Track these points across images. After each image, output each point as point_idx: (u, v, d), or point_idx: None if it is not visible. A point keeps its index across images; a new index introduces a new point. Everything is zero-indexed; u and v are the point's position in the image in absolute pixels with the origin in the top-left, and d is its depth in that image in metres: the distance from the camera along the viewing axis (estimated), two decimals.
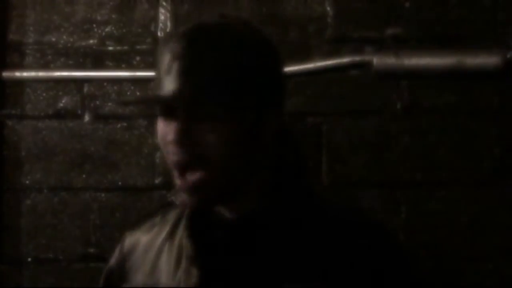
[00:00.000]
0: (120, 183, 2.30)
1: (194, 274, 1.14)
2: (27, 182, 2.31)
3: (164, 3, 2.32)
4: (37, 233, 2.29)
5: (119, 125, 2.31)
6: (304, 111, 2.22)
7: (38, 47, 2.33)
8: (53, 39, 2.33)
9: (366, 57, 2.20)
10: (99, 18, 2.33)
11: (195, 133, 1.09)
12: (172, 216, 1.27)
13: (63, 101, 2.32)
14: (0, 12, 2.32)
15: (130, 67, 2.31)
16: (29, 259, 2.29)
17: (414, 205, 2.20)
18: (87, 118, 2.31)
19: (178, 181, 1.12)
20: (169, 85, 1.09)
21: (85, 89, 2.31)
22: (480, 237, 2.20)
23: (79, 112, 2.32)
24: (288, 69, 2.24)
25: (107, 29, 2.33)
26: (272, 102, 1.16)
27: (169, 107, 1.12)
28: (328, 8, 2.28)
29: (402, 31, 2.25)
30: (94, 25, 2.33)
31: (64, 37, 2.33)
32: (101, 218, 2.29)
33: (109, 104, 2.31)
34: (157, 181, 2.29)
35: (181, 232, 1.20)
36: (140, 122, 2.30)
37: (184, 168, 1.10)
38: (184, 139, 1.09)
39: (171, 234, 1.23)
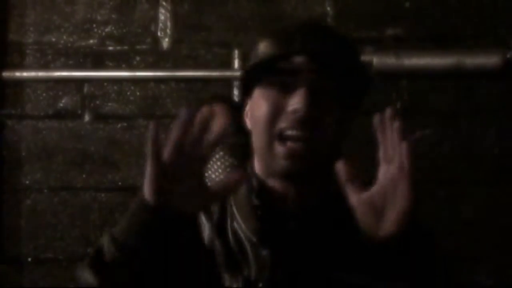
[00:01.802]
0: (120, 183, 2.30)
1: (265, 256, 1.18)
2: (27, 182, 2.31)
3: (164, 3, 2.32)
4: (37, 233, 2.29)
5: (119, 125, 2.31)
6: None
7: (38, 47, 2.33)
8: (53, 39, 2.33)
9: (366, 57, 2.20)
10: (99, 18, 2.33)
11: (315, 105, 1.16)
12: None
13: (63, 101, 2.32)
14: (0, 12, 2.32)
15: (130, 67, 2.31)
16: (29, 259, 2.29)
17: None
18: (87, 118, 2.31)
19: (280, 148, 1.17)
20: (297, 59, 1.17)
21: (85, 89, 2.32)
22: (480, 237, 2.20)
23: (79, 112, 2.32)
24: None
25: (107, 29, 2.33)
26: (362, 98, 1.27)
27: (289, 80, 1.17)
28: (328, 8, 2.28)
29: (402, 31, 2.25)
30: (94, 25, 2.33)
31: (64, 37, 2.33)
32: (101, 218, 2.29)
33: (109, 104, 2.31)
34: None
35: (231, 222, 1.24)
36: (140, 122, 2.30)
37: (297, 137, 1.16)
38: (309, 109, 1.15)
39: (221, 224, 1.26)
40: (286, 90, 1.18)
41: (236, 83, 2.29)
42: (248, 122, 1.27)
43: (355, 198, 1.10)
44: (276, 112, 1.18)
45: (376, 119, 1.11)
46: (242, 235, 1.22)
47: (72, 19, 2.33)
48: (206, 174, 1.97)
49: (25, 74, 2.32)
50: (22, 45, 2.33)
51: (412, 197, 1.10)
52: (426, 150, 2.23)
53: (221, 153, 2.00)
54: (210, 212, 1.26)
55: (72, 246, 2.28)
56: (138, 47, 2.32)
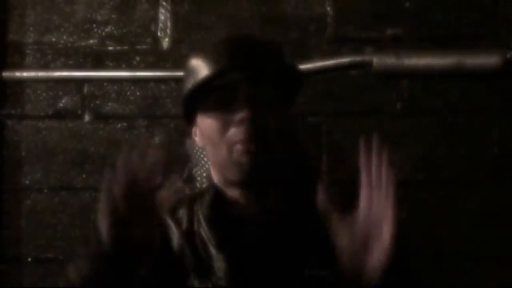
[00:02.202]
0: None
1: (222, 259, 1.25)
2: (27, 182, 2.31)
3: (164, 3, 2.32)
4: (37, 233, 2.29)
5: (119, 125, 2.31)
6: (304, 111, 2.22)
7: (38, 47, 2.33)
8: (53, 39, 2.33)
9: (366, 57, 2.20)
10: (99, 18, 2.33)
11: (259, 113, 1.24)
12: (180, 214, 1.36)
13: (63, 101, 2.32)
14: (0, 12, 2.32)
15: (130, 67, 2.31)
16: (29, 259, 2.29)
17: (414, 204, 2.20)
18: (87, 118, 2.31)
19: (231, 161, 1.25)
20: (232, 74, 1.25)
21: (85, 89, 2.32)
22: (480, 237, 2.20)
23: (79, 112, 2.32)
24: None
25: (107, 29, 2.33)
26: (295, 98, 1.34)
27: (229, 96, 1.24)
28: (328, 8, 2.28)
29: (402, 31, 2.25)
30: (94, 25, 2.33)
31: (64, 37, 2.33)
32: None
33: (109, 104, 2.31)
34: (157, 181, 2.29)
35: (197, 228, 1.31)
36: (140, 122, 2.30)
37: (246, 149, 1.23)
38: (253, 118, 1.23)
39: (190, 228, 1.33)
40: (228, 107, 1.25)
41: None
42: (198, 140, 1.33)
43: (337, 227, 1.12)
44: (223, 127, 1.26)
45: (362, 145, 1.13)
46: (207, 240, 1.28)
47: (72, 19, 2.33)
48: (204, 174, 1.98)
49: (25, 74, 2.32)
50: (22, 45, 2.33)
51: (395, 227, 1.11)
52: (426, 150, 2.23)
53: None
54: (178, 218, 1.32)
55: (72, 246, 2.28)
56: (138, 47, 2.32)
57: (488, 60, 2.17)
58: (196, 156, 2.00)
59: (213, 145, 1.27)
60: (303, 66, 2.18)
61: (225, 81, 1.24)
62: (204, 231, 1.29)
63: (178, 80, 2.30)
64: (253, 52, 1.26)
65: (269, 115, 1.24)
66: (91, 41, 2.33)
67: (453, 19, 2.25)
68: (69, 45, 2.33)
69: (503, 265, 2.18)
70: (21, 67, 2.32)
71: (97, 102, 2.31)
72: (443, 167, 2.23)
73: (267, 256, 1.24)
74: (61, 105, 2.32)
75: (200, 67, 1.28)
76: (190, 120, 1.35)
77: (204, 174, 1.99)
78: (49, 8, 2.33)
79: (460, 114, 2.24)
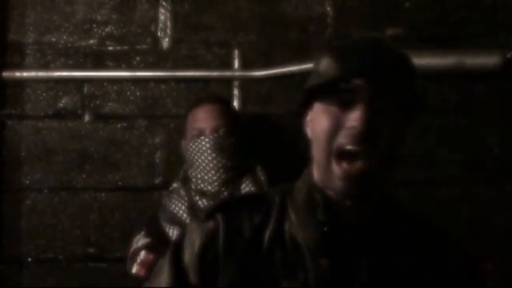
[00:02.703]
0: (120, 183, 2.30)
1: (324, 263, 1.22)
2: (27, 182, 2.31)
3: (164, 3, 2.32)
4: (37, 233, 2.29)
5: (119, 125, 2.31)
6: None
7: (38, 47, 2.33)
8: (53, 39, 2.33)
9: None
10: (99, 18, 2.33)
11: (374, 123, 1.19)
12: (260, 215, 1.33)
13: (63, 101, 2.32)
14: (0, 12, 2.32)
15: (130, 67, 2.31)
16: (29, 259, 2.29)
17: (414, 204, 2.19)
18: (87, 118, 2.31)
19: (336, 168, 1.20)
20: (357, 80, 1.21)
21: (85, 89, 2.32)
22: (480, 237, 2.20)
23: (79, 112, 2.32)
24: (288, 69, 2.25)
25: (107, 29, 2.33)
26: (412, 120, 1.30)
27: (349, 97, 1.21)
28: (328, 8, 2.28)
29: (402, 31, 2.25)
30: (94, 25, 2.33)
31: (64, 37, 2.33)
32: (101, 218, 2.29)
33: (109, 104, 2.31)
34: (157, 181, 2.29)
35: (289, 228, 1.28)
36: (140, 122, 2.30)
37: (354, 154, 1.19)
38: (367, 126, 1.18)
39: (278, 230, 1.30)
40: (345, 107, 1.22)
41: (236, 83, 2.29)
42: (309, 132, 1.31)
43: None
44: (335, 128, 1.21)
45: None
46: (300, 242, 1.25)
47: (72, 19, 2.33)
48: (199, 176, 1.98)
49: (25, 74, 2.32)
50: (22, 45, 2.33)
51: None
52: (426, 150, 2.23)
53: (214, 154, 2.00)
54: (266, 214, 1.29)
55: (72, 246, 2.28)
56: (138, 47, 2.32)
57: (488, 60, 2.17)
58: (191, 158, 2.00)
59: (320, 142, 1.23)
60: (303, 66, 2.18)
61: (348, 86, 1.21)
62: (297, 231, 1.26)
63: (178, 80, 2.31)
64: (382, 60, 1.24)
65: (384, 126, 1.20)
66: (91, 41, 2.33)
67: (453, 19, 2.25)
68: (69, 45, 2.33)
69: (503, 264, 2.18)
70: (21, 67, 2.32)
71: (97, 102, 2.31)
72: (443, 167, 2.23)
73: (362, 263, 1.23)
74: (61, 105, 2.32)
75: (326, 66, 1.26)
76: (305, 110, 1.32)
77: (199, 176, 1.99)
78: (49, 8, 2.33)
79: (460, 114, 2.24)
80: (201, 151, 1.98)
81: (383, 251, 1.24)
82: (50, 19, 2.33)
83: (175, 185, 2.08)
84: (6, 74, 2.30)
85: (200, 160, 1.99)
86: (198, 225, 1.28)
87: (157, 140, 2.30)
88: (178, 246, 1.26)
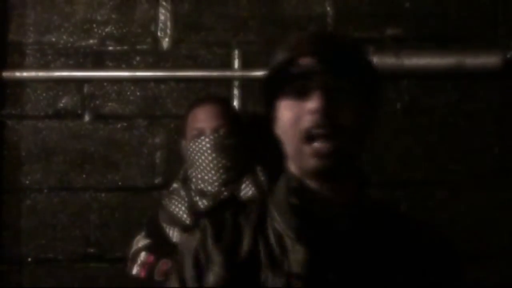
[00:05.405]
0: (120, 183, 2.30)
1: (300, 251, 1.24)
2: (27, 182, 2.31)
3: (164, 3, 2.32)
4: (37, 233, 2.29)
5: (119, 125, 2.31)
6: None
7: (38, 47, 2.33)
8: (53, 39, 2.33)
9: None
10: (99, 18, 2.33)
11: (333, 104, 1.23)
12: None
13: (63, 101, 2.32)
14: (0, 12, 2.32)
15: (130, 67, 2.31)
16: (29, 259, 2.29)
17: (414, 204, 2.20)
18: (87, 118, 2.31)
19: (307, 149, 1.24)
20: (308, 62, 1.24)
21: (85, 89, 2.32)
22: (480, 237, 2.20)
23: (79, 112, 2.32)
24: None
25: (107, 29, 2.33)
26: (376, 101, 1.33)
27: (304, 85, 1.25)
28: (328, 8, 2.28)
29: (402, 31, 2.25)
30: (94, 25, 2.33)
31: (64, 37, 2.33)
32: (101, 218, 2.29)
33: (109, 104, 2.31)
34: (157, 181, 2.29)
35: (270, 221, 1.31)
36: (140, 122, 2.30)
37: (322, 136, 1.23)
38: (326, 108, 1.22)
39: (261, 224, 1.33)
40: (304, 96, 1.25)
41: (236, 83, 2.29)
42: (277, 131, 1.33)
43: None
44: (299, 115, 1.25)
45: None
46: (282, 232, 1.28)
47: (72, 19, 2.33)
48: (199, 176, 1.98)
49: (25, 74, 2.32)
50: (22, 45, 2.33)
51: None
52: (426, 150, 2.23)
53: (214, 154, 2.00)
54: (248, 214, 1.32)
55: (72, 246, 2.28)
56: (138, 47, 2.32)
57: (488, 60, 2.17)
58: (191, 158, 2.00)
59: (288, 134, 1.27)
60: None
61: (299, 69, 1.25)
62: (278, 224, 1.29)
63: (178, 80, 2.31)
64: (330, 43, 1.28)
65: (343, 109, 1.24)
66: (91, 41, 2.33)
67: (453, 19, 2.25)
68: (69, 45, 2.33)
69: (504, 264, 2.18)
70: (21, 67, 2.32)
71: (97, 102, 2.31)
72: (442, 167, 2.23)
73: (348, 253, 1.25)
74: (61, 105, 2.32)
75: (277, 55, 1.30)
76: (270, 112, 1.35)
77: (199, 176, 1.99)
78: (49, 8, 2.33)
79: (460, 114, 2.24)
80: (201, 151, 1.98)
81: (363, 241, 1.25)
82: (50, 19, 2.33)
83: (175, 185, 2.07)
84: (6, 74, 2.30)
85: (200, 160, 1.99)
86: (187, 238, 1.33)
87: (157, 140, 2.30)
88: (179, 264, 1.29)
